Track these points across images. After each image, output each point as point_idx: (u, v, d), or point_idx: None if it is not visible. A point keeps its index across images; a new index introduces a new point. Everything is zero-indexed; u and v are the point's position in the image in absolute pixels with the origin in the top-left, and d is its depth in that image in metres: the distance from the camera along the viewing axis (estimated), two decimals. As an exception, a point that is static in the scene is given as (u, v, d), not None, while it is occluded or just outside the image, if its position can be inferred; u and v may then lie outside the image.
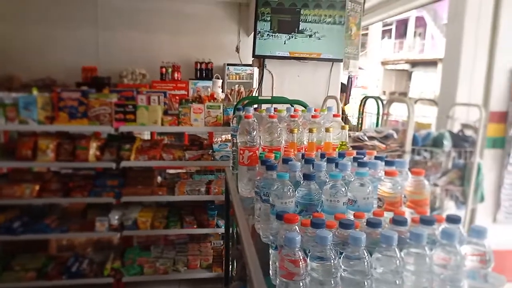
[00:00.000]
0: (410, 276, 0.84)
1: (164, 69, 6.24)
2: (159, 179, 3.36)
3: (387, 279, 0.83)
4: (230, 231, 2.44)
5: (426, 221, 0.93)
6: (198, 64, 6.41)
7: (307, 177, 1.16)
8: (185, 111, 3.00)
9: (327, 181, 1.17)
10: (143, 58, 6.27)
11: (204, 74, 6.42)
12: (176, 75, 6.28)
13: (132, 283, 3.20)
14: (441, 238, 0.85)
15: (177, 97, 3.23)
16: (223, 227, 3.21)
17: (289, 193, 1.14)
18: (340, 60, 3.45)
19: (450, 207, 2.92)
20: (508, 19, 3.11)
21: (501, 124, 3.21)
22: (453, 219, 0.91)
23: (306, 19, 3.20)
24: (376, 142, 2.80)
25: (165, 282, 3.27)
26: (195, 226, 3.21)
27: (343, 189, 1.12)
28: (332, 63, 3.50)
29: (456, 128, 3.10)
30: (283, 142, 1.72)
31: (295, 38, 3.19)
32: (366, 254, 0.84)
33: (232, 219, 2.33)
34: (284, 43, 3.16)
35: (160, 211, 3.32)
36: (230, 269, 2.41)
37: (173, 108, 3.15)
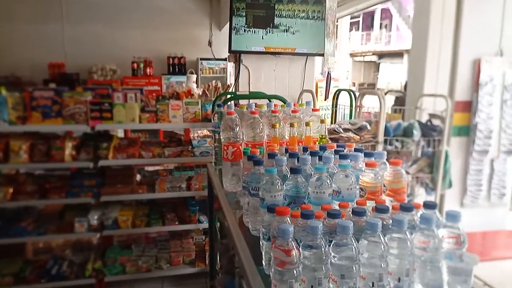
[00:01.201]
0: (394, 259, 0.91)
1: (135, 65, 6.12)
2: (138, 177, 3.34)
3: (374, 263, 0.89)
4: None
5: (406, 208, 1.01)
6: (171, 59, 6.33)
7: (293, 171, 1.21)
8: (163, 108, 2.99)
9: (313, 174, 1.23)
10: (113, 53, 6.12)
11: (177, 69, 6.35)
12: (148, 70, 6.18)
13: (115, 283, 3.18)
14: (420, 223, 0.92)
15: (153, 94, 3.21)
16: (205, 222, 3.24)
17: (277, 186, 1.20)
18: (314, 54, 3.53)
19: (420, 194, 3.08)
20: (470, 14, 3.29)
21: (465, 113, 3.41)
22: (430, 205, 0.99)
23: (281, 14, 3.26)
24: (351, 134, 2.91)
25: (149, 280, 3.27)
26: (177, 223, 3.22)
27: (328, 181, 1.19)
28: (307, 57, 3.58)
29: (424, 118, 3.26)
30: (265, 137, 1.77)
31: (271, 33, 3.25)
32: (353, 241, 0.91)
33: (215, 214, 2.37)
34: (262, 38, 3.21)
35: (140, 209, 3.30)
36: (214, 263, 2.45)
37: (150, 105, 3.13)
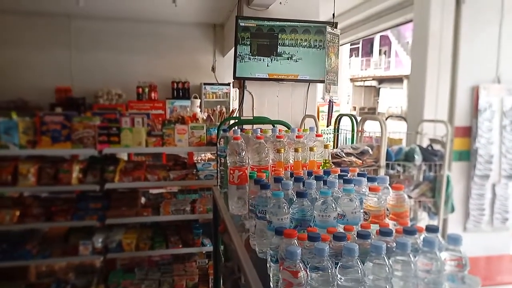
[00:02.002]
0: (398, 281, 0.94)
1: (140, 89, 6.25)
2: (143, 200, 3.37)
3: (379, 285, 0.92)
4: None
5: (409, 232, 1.04)
6: (175, 84, 6.46)
7: (300, 194, 1.26)
8: (169, 132, 3.06)
9: (318, 197, 1.27)
10: (119, 78, 6.26)
11: (181, 94, 6.48)
12: (153, 94, 6.31)
13: (117, 307, 3.16)
14: (423, 246, 0.96)
15: (159, 118, 3.29)
16: (208, 245, 3.24)
17: (284, 210, 1.24)
18: (316, 81, 3.63)
19: (423, 218, 3.09)
20: (467, 42, 3.40)
21: (465, 138, 3.46)
22: (432, 229, 1.03)
23: (284, 43, 3.39)
24: (353, 158, 2.95)
25: (151, 304, 3.24)
26: (180, 246, 3.23)
27: (333, 205, 1.23)
28: (309, 84, 3.68)
29: (425, 143, 3.31)
30: (270, 161, 1.82)
31: (275, 61, 3.37)
32: (359, 263, 0.94)
33: (220, 237, 2.39)
34: (268, 66, 3.33)
35: (144, 232, 3.31)
36: (218, 287, 2.45)
37: (156, 129, 3.20)
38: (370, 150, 2.93)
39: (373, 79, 22.55)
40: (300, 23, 3.45)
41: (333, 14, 2.96)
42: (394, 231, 1.08)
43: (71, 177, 2.94)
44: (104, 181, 3.02)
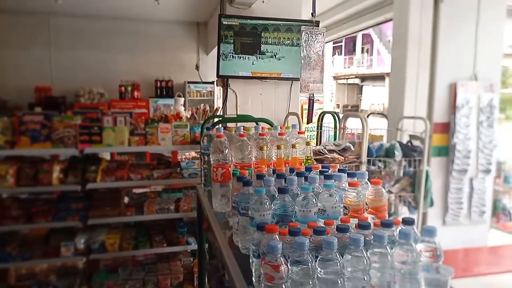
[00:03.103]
0: (376, 272, 0.97)
1: (123, 88, 6.16)
2: (126, 199, 3.34)
3: (357, 277, 0.95)
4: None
5: (386, 225, 1.08)
6: (158, 82, 6.40)
7: (281, 190, 1.28)
8: (152, 131, 3.04)
9: (299, 193, 1.30)
10: (101, 77, 6.15)
11: (164, 92, 6.42)
12: (136, 93, 6.24)
13: (101, 308, 3.13)
14: (399, 238, 0.99)
15: (143, 117, 3.27)
16: (193, 244, 3.24)
17: (266, 206, 1.25)
18: (299, 79, 3.66)
19: (404, 212, 3.17)
20: (445, 41, 3.49)
21: (444, 134, 3.55)
22: (408, 222, 1.06)
23: (267, 41, 3.41)
24: (335, 155, 2.99)
25: (135, 304, 3.22)
26: (165, 245, 3.22)
27: (314, 200, 1.26)
28: (292, 82, 3.71)
29: (405, 139, 3.39)
30: (253, 158, 1.83)
31: (259, 59, 3.38)
32: (338, 256, 0.97)
33: (204, 235, 2.40)
34: (253, 64, 3.35)
35: (128, 232, 3.28)
36: (203, 285, 2.45)
37: (139, 128, 3.17)
38: (352, 147, 2.98)
39: (356, 77, 22.81)
40: (283, 22, 3.48)
41: (312, 13, 2.98)
42: (372, 224, 1.12)
43: (51, 177, 2.89)
44: (86, 181, 2.98)
